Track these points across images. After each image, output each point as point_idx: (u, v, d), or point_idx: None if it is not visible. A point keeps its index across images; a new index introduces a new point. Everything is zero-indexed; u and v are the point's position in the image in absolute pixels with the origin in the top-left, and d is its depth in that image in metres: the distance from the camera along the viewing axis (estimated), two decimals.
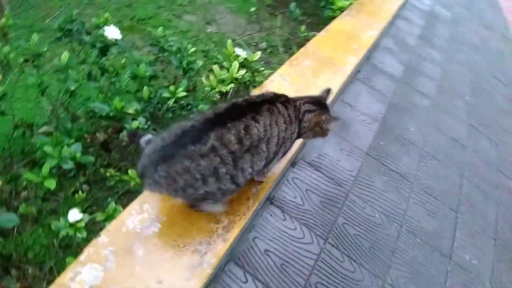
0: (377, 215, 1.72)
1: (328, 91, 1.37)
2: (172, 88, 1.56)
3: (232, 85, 1.71)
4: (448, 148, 2.40)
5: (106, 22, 1.73)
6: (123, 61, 1.63)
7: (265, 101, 1.14)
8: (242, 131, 1.02)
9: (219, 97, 1.92)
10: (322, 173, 1.79)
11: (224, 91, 1.70)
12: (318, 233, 1.52)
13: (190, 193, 1.02)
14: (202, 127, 0.99)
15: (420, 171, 2.10)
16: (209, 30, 3.60)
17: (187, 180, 0.98)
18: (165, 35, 1.91)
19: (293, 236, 1.45)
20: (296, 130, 1.25)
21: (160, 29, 1.92)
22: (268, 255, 1.35)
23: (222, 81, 1.71)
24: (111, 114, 1.41)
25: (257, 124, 1.06)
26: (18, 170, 1.57)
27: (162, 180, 0.98)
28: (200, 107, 1.61)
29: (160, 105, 1.58)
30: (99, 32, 1.68)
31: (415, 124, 2.45)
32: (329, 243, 1.51)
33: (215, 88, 1.69)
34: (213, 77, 1.72)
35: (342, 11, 2.94)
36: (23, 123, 1.71)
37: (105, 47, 1.69)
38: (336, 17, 2.86)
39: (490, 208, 2.15)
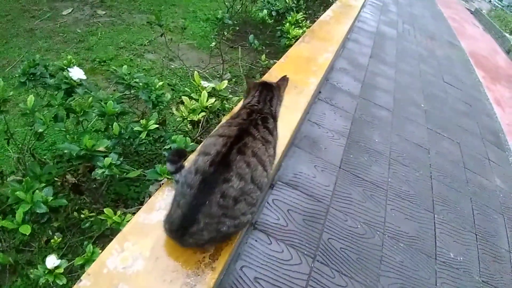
0: (359, 226, 1.74)
1: (284, 78, 1.45)
2: (143, 121, 1.53)
3: (203, 113, 1.71)
4: (413, 153, 2.52)
5: (69, 64, 1.70)
6: (90, 99, 1.59)
7: (237, 136, 1.07)
8: (220, 199, 1.00)
9: (190, 126, 1.90)
10: (301, 191, 1.79)
11: (196, 119, 1.69)
12: (305, 252, 1.50)
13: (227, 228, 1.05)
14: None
15: (391, 177, 2.18)
16: (172, 66, 3.64)
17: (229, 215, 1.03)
18: (130, 73, 1.90)
19: (281, 259, 1.42)
20: (275, 132, 1.24)
21: (125, 67, 1.91)
22: (258, 282, 1.31)
23: (193, 111, 1.71)
24: (81, 154, 1.34)
25: (230, 184, 1.00)
26: None
27: (205, 226, 1.01)
28: (173, 138, 1.58)
29: (131, 140, 1.53)
30: (63, 74, 1.64)
31: (379, 134, 2.56)
32: (318, 260, 1.49)
33: (186, 118, 1.68)
34: (183, 107, 1.71)
35: (297, 39, 3.10)
36: None
37: (70, 88, 1.65)
38: (292, 45, 3.00)
39: (464, 203, 2.25)
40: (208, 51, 3.85)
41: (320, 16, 3.85)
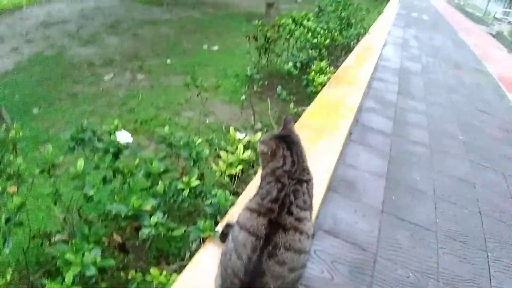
0: (410, 275, 1.59)
1: (288, 119, 1.20)
2: (186, 178, 1.57)
3: (240, 166, 1.74)
4: (458, 189, 2.35)
5: (116, 128, 1.83)
6: (137, 161, 1.68)
7: (267, 236, 0.95)
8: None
9: (228, 179, 1.93)
10: (343, 240, 1.70)
11: (234, 173, 1.71)
12: None
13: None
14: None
15: (439, 217, 2.02)
16: (207, 121, 3.81)
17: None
18: (171, 132, 2.00)
19: None
20: (311, 191, 1.11)
21: (166, 127, 2.02)
22: None
23: (230, 165, 1.74)
24: (129, 214, 1.39)
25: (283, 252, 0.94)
26: (35, 281, 1.48)
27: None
28: (213, 192, 1.60)
29: (175, 197, 1.57)
30: (111, 138, 1.75)
31: (419, 172, 2.44)
32: None
33: (225, 172, 1.71)
34: (221, 162, 1.75)
35: (323, 86, 3.16)
36: (40, 233, 1.67)
37: (118, 151, 1.76)
38: (318, 91, 3.06)
39: None
40: (240, 104, 4.01)
41: (343, 61, 3.94)
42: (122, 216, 1.40)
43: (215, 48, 6.65)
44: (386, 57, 5.27)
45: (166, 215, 1.48)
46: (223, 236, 1.29)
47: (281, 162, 1.07)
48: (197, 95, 3.04)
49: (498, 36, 10.39)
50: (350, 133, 2.68)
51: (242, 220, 1.02)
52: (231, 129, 1.97)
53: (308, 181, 1.07)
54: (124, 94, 4.54)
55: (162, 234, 1.37)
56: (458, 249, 1.81)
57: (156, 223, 1.39)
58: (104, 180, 1.62)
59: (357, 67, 3.85)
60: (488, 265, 1.76)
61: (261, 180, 1.10)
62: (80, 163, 1.59)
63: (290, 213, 0.99)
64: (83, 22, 8.10)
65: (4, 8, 8.33)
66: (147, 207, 1.47)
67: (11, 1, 8.94)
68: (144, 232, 1.36)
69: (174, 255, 1.78)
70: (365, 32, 5.45)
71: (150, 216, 1.42)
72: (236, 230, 1.02)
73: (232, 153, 1.84)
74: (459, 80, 4.88)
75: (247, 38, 4.32)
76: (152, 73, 5.29)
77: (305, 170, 1.09)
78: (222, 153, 1.79)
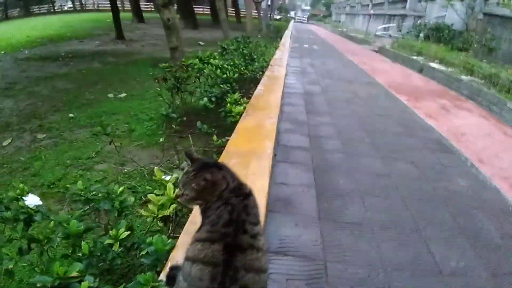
0: (360, 271, 1.65)
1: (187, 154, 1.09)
2: (113, 232, 1.38)
3: (173, 206, 1.61)
4: (378, 183, 2.58)
5: (22, 193, 1.55)
6: (51, 224, 1.42)
7: (225, 261, 0.88)
8: None
9: (162, 224, 1.77)
10: (292, 256, 1.70)
11: (168, 213, 1.58)
12: None
13: None
14: None
15: (369, 211, 2.17)
16: (126, 170, 3.51)
17: None
18: (86, 187, 1.78)
19: None
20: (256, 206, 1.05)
21: (80, 182, 1.79)
22: None
23: (162, 206, 1.60)
24: (56, 284, 1.14)
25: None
26: None
27: None
28: (147, 241, 1.44)
29: (104, 255, 1.36)
30: (19, 204, 1.48)
31: (341, 175, 2.63)
32: None
33: (157, 216, 1.57)
34: (151, 205, 1.60)
35: (241, 115, 3.25)
36: None
37: (29, 217, 1.49)
38: (238, 121, 3.13)
39: (442, 210, 2.24)
40: (159, 147, 3.82)
41: (254, 91, 4.15)
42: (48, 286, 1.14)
43: (122, 95, 6.33)
44: (289, 84, 5.76)
45: (97, 278, 1.27)
46: (170, 281, 1.15)
47: (224, 184, 1.01)
48: (110, 143, 2.80)
49: (381, 50, 12.31)
50: (275, 155, 2.77)
51: (193, 254, 0.92)
52: (156, 170, 1.84)
53: (251, 193, 1.04)
54: (26, 158, 3.93)
55: None
56: (394, 236, 1.96)
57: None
58: (21, 251, 1.34)
59: (267, 95, 4.09)
60: (426, 242, 1.92)
61: (205, 211, 1.02)
62: None
63: (244, 231, 0.94)
64: None
65: None
66: (74, 272, 1.24)
67: None
68: None
69: None
70: (267, 65, 5.89)
71: (80, 283, 1.19)
72: (187, 266, 0.92)
73: (162, 194, 1.71)
74: (355, 94, 5.57)
75: (156, 80, 4.25)
76: (53, 130, 4.73)
77: (242, 184, 1.06)
78: (151, 196, 1.65)
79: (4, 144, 4.34)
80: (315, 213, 2.09)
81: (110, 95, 6.33)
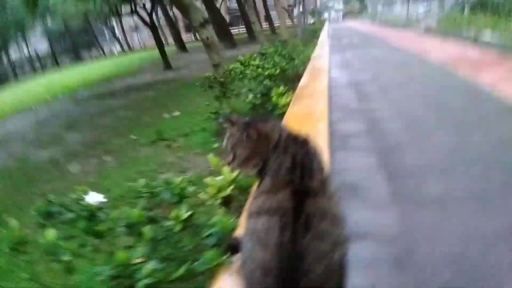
0: (450, 249, 1.39)
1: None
2: (174, 212, 1.34)
3: (231, 187, 1.54)
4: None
5: (85, 193, 1.59)
6: (113, 214, 1.42)
7: (294, 208, 0.75)
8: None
9: (222, 208, 1.70)
10: (372, 240, 1.50)
11: (228, 195, 1.50)
12: None
13: None
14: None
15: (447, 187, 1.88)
16: (186, 176, 3.58)
17: None
18: (148, 183, 1.78)
19: None
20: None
21: (142, 180, 1.81)
22: None
23: (220, 188, 1.54)
24: (117, 271, 1.11)
25: (311, 274, 0.73)
26: None
27: None
28: (209, 222, 1.36)
29: (167, 240, 1.31)
30: (81, 203, 1.51)
31: (410, 156, 2.35)
32: None
33: (216, 197, 1.50)
34: (210, 188, 1.54)
35: (287, 107, 3.13)
36: None
37: (92, 214, 1.50)
38: (285, 112, 3.01)
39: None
40: (214, 151, 3.87)
41: (298, 85, 4.02)
42: (109, 276, 1.11)
43: (176, 114, 6.64)
44: (335, 75, 5.52)
45: (164, 261, 1.22)
46: (231, 249, 1.04)
47: (276, 134, 0.87)
48: (168, 146, 2.86)
49: (426, 31, 11.58)
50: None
51: (256, 207, 0.81)
52: (210, 157, 1.79)
53: (310, 140, 0.89)
54: (95, 178, 4.25)
55: (162, 279, 1.09)
56: (479, 209, 1.65)
57: (153, 271, 1.12)
58: (81, 245, 1.35)
59: (313, 85, 3.94)
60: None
61: (261, 172, 0.87)
62: (52, 232, 1.32)
63: (311, 177, 0.80)
64: (40, 129, 7.96)
65: None
66: (137, 259, 1.21)
67: None
68: (140, 285, 1.07)
69: None
70: (308, 60, 5.74)
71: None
72: (251, 222, 0.81)
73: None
74: (407, 76, 5.14)
75: (203, 89, 4.35)
76: (118, 151, 5.08)
77: (296, 133, 0.89)
78: (209, 180, 1.59)
79: (72, 170, 4.73)
80: (387, 195, 1.86)
81: (166, 115, 6.66)
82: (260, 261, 0.74)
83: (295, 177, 0.79)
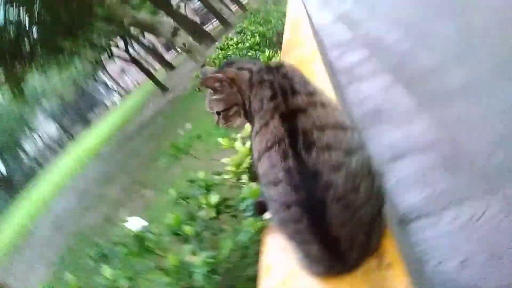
0: None
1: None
2: (204, 200, 1.33)
3: (249, 157, 1.49)
4: None
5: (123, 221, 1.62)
6: (155, 229, 1.44)
7: (289, 130, 0.70)
8: (338, 203, 0.66)
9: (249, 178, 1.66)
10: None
11: (248, 165, 1.46)
12: None
13: None
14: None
15: None
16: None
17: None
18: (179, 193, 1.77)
19: None
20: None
21: (172, 190, 1.81)
22: None
23: (239, 163, 1.50)
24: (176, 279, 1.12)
25: (334, 187, 0.65)
26: None
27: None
28: (242, 195, 1.33)
29: (208, 228, 1.30)
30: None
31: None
32: None
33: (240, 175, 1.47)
34: (230, 166, 1.52)
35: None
36: None
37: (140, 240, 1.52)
38: None
39: None
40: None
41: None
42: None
43: (188, 127, 6.77)
44: (315, 19, 5.26)
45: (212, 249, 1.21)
46: (260, 209, 1.00)
47: (246, 72, 0.83)
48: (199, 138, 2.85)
49: None
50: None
51: (256, 150, 0.76)
52: (222, 139, 1.77)
53: (284, 63, 0.83)
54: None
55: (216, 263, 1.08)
56: None
57: (205, 260, 1.10)
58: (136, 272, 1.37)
59: (296, 35, 3.76)
60: None
61: (249, 114, 0.83)
62: (107, 270, 1.36)
63: (295, 92, 0.74)
64: (86, 188, 8.52)
65: None
66: (188, 256, 1.21)
67: None
68: (197, 277, 1.06)
69: None
70: (284, 16, 5.51)
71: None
72: (258, 168, 0.76)
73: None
74: None
75: (198, 89, 4.34)
76: (151, 183, 5.31)
77: (268, 63, 0.86)
78: (225, 160, 1.57)
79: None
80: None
81: (180, 132, 6.81)
82: (278, 200, 0.69)
83: (279, 102, 0.73)
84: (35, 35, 9.23)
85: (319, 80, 2.04)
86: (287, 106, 0.71)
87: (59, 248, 5.79)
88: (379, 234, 0.74)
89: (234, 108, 0.83)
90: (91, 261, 1.49)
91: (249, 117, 0.83)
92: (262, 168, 0.73)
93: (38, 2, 8.46)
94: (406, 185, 1.23)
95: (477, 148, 1.21)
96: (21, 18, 8.64)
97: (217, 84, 0.82)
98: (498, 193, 1.01)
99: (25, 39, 8.90)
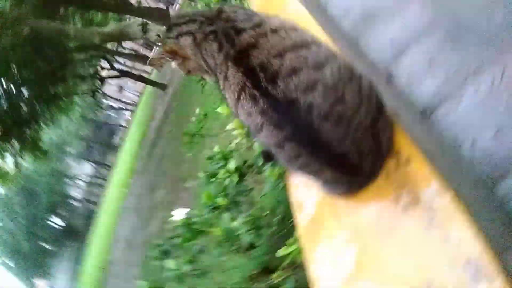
0: None
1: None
2: (223, 170, 1.37)
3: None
4: None
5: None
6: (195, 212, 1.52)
7: (247, 70, 0.67)
8: (330, 114, 0.65)
9: None
10: None
11: None
12: None
13: None
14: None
15: None
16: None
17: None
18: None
19: None
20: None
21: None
22: None
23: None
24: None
25: (313, 103, 0.64)
26: None
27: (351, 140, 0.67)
28: (257, 153, 1.35)
29: (237, 194, 1.36)
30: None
31: None
32: None
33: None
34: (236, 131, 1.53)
35: None
36: None
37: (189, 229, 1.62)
38: None
39: None
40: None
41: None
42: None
43: (197, 111, 6.82)
44: None
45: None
46: (268, 157, 1.00)
47: (187, 37, 0.76)
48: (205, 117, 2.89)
49: None
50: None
51: (229, 103, 0.74)
52: (220, 108, 1.77)
53: (222, 10, 0.77)
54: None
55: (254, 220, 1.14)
56: None
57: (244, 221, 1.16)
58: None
59: None
60: None
61: (207, 70, 0.78)
62: (170, 262, 1.48)
63: (239, 31, 0.70)
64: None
65: None
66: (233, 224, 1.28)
67: None
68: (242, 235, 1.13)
69: None
70: None
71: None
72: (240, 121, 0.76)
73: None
74: None
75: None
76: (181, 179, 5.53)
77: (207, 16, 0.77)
78: (230, 125, 1.58)
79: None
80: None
81: (193, 119, 6.91)
82: (270, 144, 0.69)
83: (227, 49, 0.70)
84: (26, 95, 9.46)
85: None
86: (235, 49, 0.69)
87: (136, 264, 6.33)
88: (387, 134, 0.73)
89: (197, 72, 0.81)
90: (156, 261, 1.62)
91: (214, 76, 0.81)
92: (243, 121, 0.73)
93: (13, 67, 8.55)
94: (418, 77, 1.16)
95: (475, 14, 1.10)
96: (5, 87, 8.85)
97: (163, 60, 0.80)
98: (510, 50, 0.92)
99: (20, 103, 9.18)
